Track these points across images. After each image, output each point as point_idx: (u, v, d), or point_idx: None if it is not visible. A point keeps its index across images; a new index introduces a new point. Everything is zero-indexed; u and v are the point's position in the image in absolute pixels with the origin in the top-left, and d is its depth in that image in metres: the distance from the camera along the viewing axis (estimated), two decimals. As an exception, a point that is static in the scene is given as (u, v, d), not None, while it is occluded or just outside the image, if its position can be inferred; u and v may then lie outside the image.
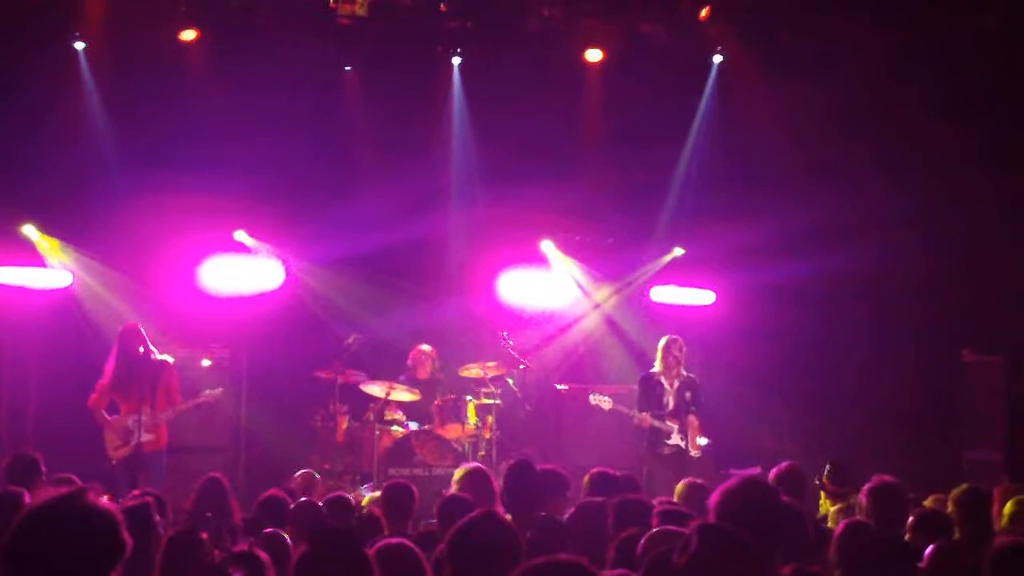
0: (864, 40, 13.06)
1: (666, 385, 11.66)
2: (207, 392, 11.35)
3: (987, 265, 13.31)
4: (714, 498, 4.15)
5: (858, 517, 6.48)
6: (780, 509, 4.15)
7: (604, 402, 11.80)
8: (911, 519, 6.56)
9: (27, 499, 6.36)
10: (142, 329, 10.96)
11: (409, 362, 13.01)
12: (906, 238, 13.48)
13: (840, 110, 13.44)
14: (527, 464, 7.19)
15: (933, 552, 5.60)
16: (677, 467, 11.19)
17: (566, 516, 6.55)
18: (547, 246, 14.46)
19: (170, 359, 11.12)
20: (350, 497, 7.83)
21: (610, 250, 14.49)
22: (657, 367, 11.74)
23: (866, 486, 6.86)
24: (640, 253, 14.58)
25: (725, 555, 3.17)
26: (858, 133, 13.48)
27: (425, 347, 13.06)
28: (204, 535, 5.31)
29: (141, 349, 10.80)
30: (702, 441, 11.63)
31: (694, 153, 14.48)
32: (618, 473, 7.88)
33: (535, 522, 6.45)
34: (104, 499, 3.37)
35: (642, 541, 4.89)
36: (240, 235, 13.76)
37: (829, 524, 7.93)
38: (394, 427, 12.35)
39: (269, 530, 6.18)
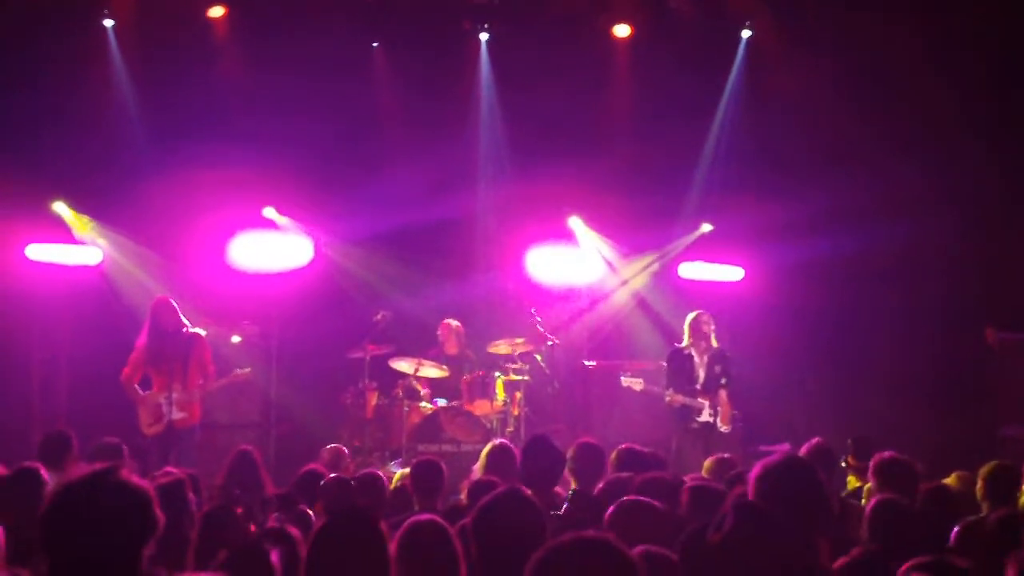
0: (893, 17, 12.95)
1: (696, 359, 11.66)
2: (236, 371, 11.40)
3: (1016, 242, 13.20)
4: (754, 474, 4.13)
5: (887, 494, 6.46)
6: (819, 488, 4.14)
7: (636, 383, 11.81)
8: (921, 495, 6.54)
9: (45, 475, 6.42)
10: (173, 302, 11.01)
11: (438, 337, 13.06)
12: (936, 216, 13.39)
13: (870, 88, 13.35)
14: (543, 439, 7.20)
15: (961, 529, 5.59)
16: (706, 442, 11.21)
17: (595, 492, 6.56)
18: (575, 222, 14.43)
19: (202, 332, 11.17)
20: (381, 474, 7.84)
21: (638, 226, 14.44)
22: (686, 341, 11.75)
23: (871, 462, 6.86)
24: (668, 229, 14.53)
25: (760, 533, 3.16)
26: (888, 112, 13.38)
27: (452, 321, 13.09)
28: (238, 510, 5.35)
29: (172, 323, 10.85)
30: (732, 415, 11.64)
31: (723, 128, 14.40)
32: (645, 449, 7.88)
33: (570, 497, 6.49)
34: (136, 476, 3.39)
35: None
36: (269, 212, 13.80)
37: (863, 500, 7.91)
38: (423, 404, 12.39)
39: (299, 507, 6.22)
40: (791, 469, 4.15)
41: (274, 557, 4.25)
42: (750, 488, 4.11)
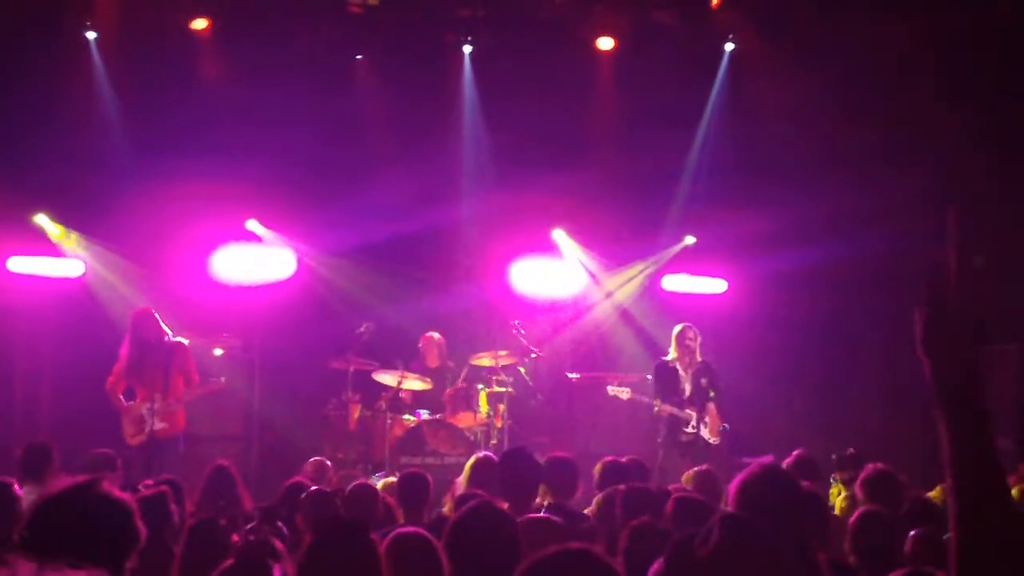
0: (876, 27, 13.01)
1: (681, 372, 11.68)
2: (212, 380, 11.34)
3: (1000, 253, 13.24)
4: (733, 485, 4.13)
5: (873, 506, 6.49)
6: (799, 496, 4.13)
7: (623, 393, 11.79)
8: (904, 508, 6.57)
9: (17, 490, 6.39)
10: (155, 312, 10.96)
11: (419, 350, 13.04)
12: (919, 226, 13.41)
13: (852, 98, 13.39)
14: (521, 451, 7.22)
15: (914, 537, 5.59)
16: (694, 455, 11.22)
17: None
18: (558, 234, 14.43)
19: (184, 341, 11.12)
20: (370, 484, 7.79)
21: (621, 238, 14.46)
22: (671, 355, 11.76)
23: (860, 476, 6.89)
24: (652, 241, 14.55)
25: (748, 546, 3.14)
26: (871, 121, 13.42)
27: (433, 334, 13.07)
28: (223, 522, 5.32)
29: (154, 333, 10.80)
30: (720, 427, 11.65)
31: (706, 141, 14.43)
32: (628, 461, 7.89)
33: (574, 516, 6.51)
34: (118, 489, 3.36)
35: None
36: (252, 224, 13.77)
37: (836, 511, 7.96)
38: (405, 416, 12.36)
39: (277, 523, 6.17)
40: (771, 479, 4.15)
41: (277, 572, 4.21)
42: (731, 500, 4.11)
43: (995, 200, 13.16)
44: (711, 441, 11.57)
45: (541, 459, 7.27)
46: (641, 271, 14.58)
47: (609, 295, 14.63)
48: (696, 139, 14.48)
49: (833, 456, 9.46)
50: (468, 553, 4.22)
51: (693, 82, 14.16)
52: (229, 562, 4.17)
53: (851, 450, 9.36)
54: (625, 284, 14.61)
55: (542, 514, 5.84)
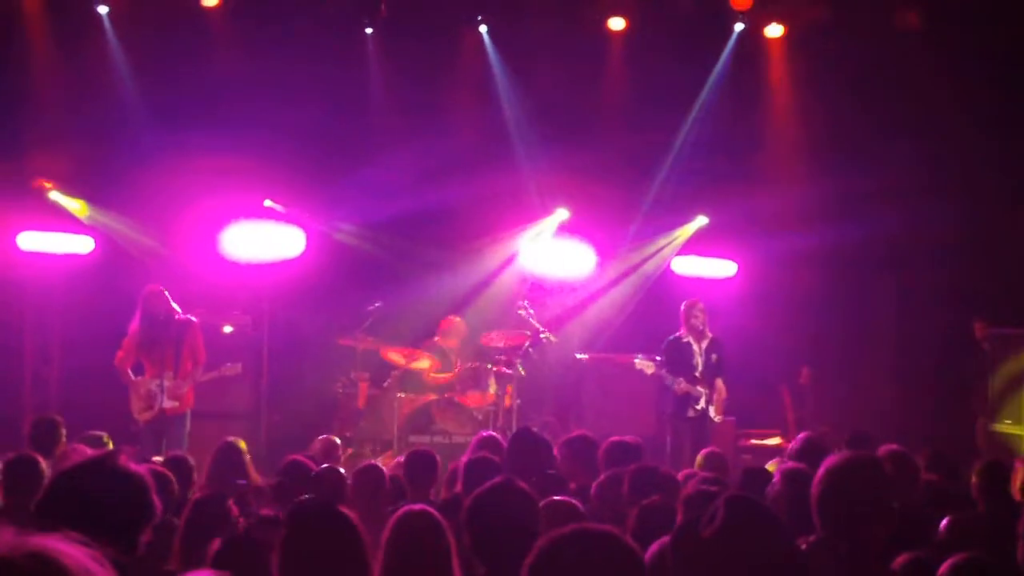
0: (886, 5, 12.99)
1: (694, 347, 11.67)
2: (227, 366, 11.30)
3: (1011, 234, 13.23)
4: (827, 468, 4.16)
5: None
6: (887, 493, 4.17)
7: (648, 367, 11.70)
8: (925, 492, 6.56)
9: (42, 463, 6.42)
10: (165, 291, 10.96)
11: (439, 329, 13.06)
12: (930, 207, 13.41)
13: (861, 78, 13.36)
14: (529, 432, 7.25)
15: (949, 523, 5.59)
16: (698, 432, 11.23)
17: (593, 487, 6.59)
18: (567, 215, 14.36)
19: (193, 319, 11.11)
20: (381, 465, 7.78)
21: (631, 218, 14.42)
22: (682, 331, 11.73)
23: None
24: (662, 222, 14.51)
25: (752, 528, 3.15)
26: (880, 101, 13.40)
27: (456, 319, 13.11)
28: (230, 500, 5.34)
29: (164, 311, 10.80)
30: (725, 404, 11.68)
31: (715, 121, 14.34)
32: (635, 440, 7.90)
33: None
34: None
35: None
36: (269, 203, 13.70)
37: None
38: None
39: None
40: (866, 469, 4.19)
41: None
42: (815, 488, 4.15)
43: (1005, 181, 13.16)
44: (715, 419, 11.57)
45: (550, 439, 7.31)
46: (652, 252, 14.54)
47: (619, 276, 14.60)
48: (706, 119, 14.39)
49: (845, 441, 9.45)
50: (487, 529, 4.21)
51: (703, 62, 14.10)
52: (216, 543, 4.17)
53: (862, 432, 9.35)
54: (635, 265, 14.58)
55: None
